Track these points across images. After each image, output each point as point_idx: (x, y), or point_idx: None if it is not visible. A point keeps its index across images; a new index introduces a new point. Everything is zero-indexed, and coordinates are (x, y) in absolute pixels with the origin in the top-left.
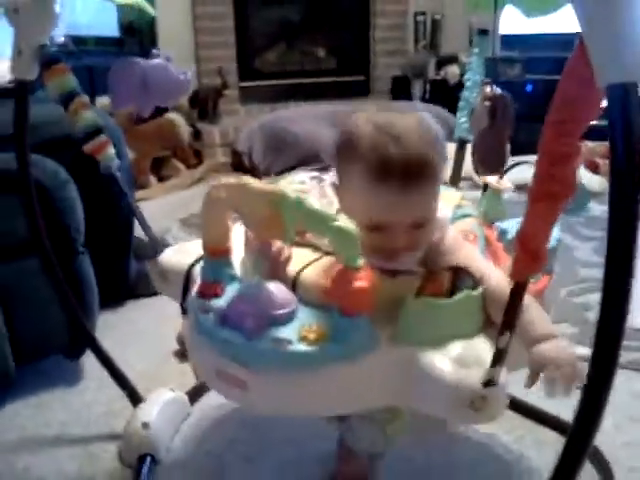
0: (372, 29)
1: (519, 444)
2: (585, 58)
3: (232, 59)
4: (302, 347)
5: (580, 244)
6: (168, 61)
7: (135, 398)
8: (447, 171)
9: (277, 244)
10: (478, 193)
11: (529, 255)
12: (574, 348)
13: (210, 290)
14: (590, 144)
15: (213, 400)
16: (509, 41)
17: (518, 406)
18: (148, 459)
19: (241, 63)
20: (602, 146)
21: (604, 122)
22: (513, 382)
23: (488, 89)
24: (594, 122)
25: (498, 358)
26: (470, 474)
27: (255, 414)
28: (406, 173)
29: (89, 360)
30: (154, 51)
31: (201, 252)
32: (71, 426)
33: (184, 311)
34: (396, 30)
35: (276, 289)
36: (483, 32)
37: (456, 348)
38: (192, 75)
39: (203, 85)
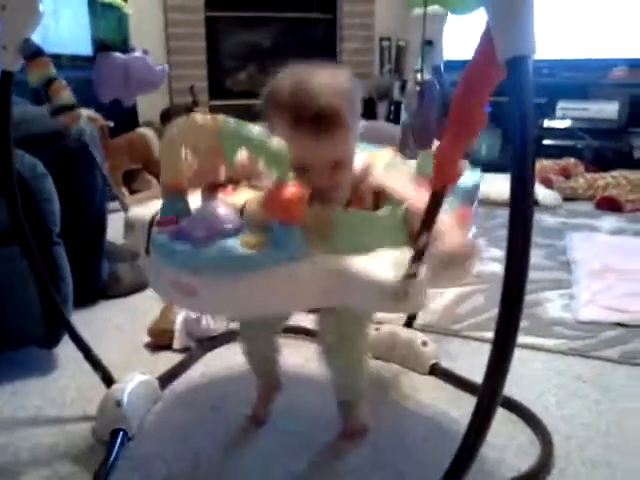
0: (339, 53)
1: (467, 418)
2: (490, 41)
3: (203, 78)
4: (243, 252)
5: (533, 250)
6: (146, 54)
7: (109, 382)
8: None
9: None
10: None
11: (444, 168)
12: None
13: (168, 222)
14: (545, 162)
15: (183, 385)
16: (457, 66)
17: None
18: (120, 434)
19: (212, 82)
20: (555, 164)
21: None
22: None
23: (418, 76)
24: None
25: (418, 256)
26: (420, 447)
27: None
28: (316, 121)
29: (63, 351)
30: (132, 44)
31: None
32: (46, 409)
33: (148, 252)
34: (362, 54)
35: (223, 209)
36: (428, 43)
37: (381, 253)
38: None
39: (174, 102)
